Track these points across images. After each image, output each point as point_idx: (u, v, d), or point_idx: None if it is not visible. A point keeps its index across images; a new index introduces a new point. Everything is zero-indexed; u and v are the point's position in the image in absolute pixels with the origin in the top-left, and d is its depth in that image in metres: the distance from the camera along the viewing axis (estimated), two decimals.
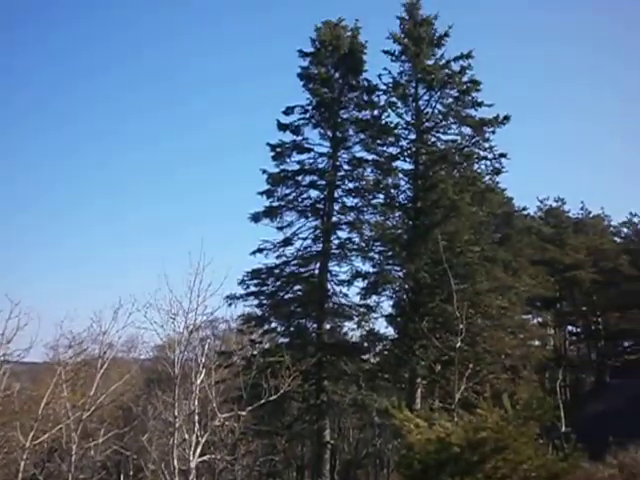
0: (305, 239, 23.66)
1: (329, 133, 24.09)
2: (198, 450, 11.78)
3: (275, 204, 23.67)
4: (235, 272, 22.71)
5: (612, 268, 40.80)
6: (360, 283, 22.75)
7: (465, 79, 22.11)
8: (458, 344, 12.36)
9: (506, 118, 21.63)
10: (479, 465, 9.20)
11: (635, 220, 46.11)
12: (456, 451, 9.31)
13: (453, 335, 15.51)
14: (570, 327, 45.97)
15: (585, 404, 32.75)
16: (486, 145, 22.13)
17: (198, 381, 12.07)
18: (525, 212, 39.11)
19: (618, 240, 46.59)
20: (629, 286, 41.07)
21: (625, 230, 47.37)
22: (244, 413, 13.47)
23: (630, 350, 45.66)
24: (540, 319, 37.84)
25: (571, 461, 10.00)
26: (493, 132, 21.85)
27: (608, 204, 56.04)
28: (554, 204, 43.71)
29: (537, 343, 34.29)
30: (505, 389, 18.11)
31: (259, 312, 23.56)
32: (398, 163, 23.40)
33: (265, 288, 23.47)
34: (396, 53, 22.87)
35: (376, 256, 23.32)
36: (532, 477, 9.51)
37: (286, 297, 23.62)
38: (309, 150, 23.94)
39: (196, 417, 12.10)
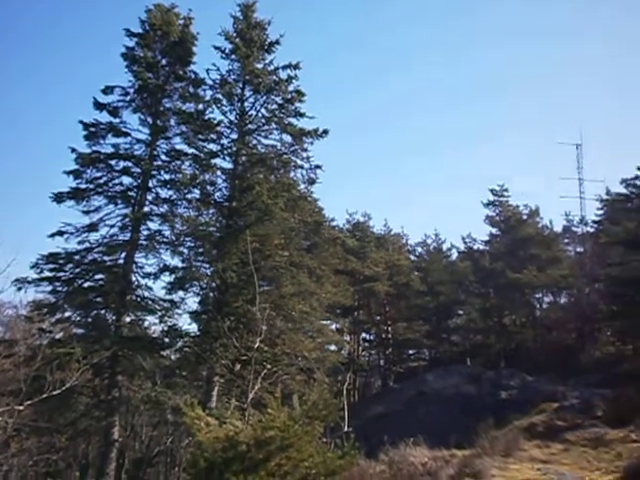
0: (112, 226, 22.47)
1: (149, 120, 23.23)
2: None
3: (83, 186, 22.19)
4: (29, 255, 20.86)
5: (405, 283, 44.59)
6: (167, 277, 22.26)
7: (291, 88, 22.77)
8: (257, 344, 12.64)
9: (325, 132, 22.63)
10: (264, 463, 9.44)
11: (428, 241, 50.98)
12: (243, 449, 9.46)
13: (254, 335, 15.77)
14: (364, 334, 49.27)
15: (370, 406, 35.20)
16: (304, 155, 22.97)
17: None
18: (334, 223, 41.21)
19: (412, 258, 51.09)
20: (417, 300, 45.33)
21: (419, 249, 52.15)
22: (21, 408, 12.36)
23: (412, 358, 50.39)
24: (338, 325, 39.95)
25: (348, 458, 10.66)
26: (312, 143, 22.77)
27: (408, 224, 61.51)
28: (361, 219, 46.68)
29: (333, 348, 36.24)
30: (298, 390, 18.88)
31: (52, 299, 21.90)
32: (217, 160, 23.34)
33: (62, 274, 21.83)
34: (226, 51, 22.84)
35: (186, 251, 22.94)
36: (312, 474, 9.98)
37: (85, 285, 22.21)
38: (126, 134, 22.85)
39: None
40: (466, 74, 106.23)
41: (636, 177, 35.03)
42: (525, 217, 44.08)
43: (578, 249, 48.00)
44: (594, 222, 45.08)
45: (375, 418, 31.45)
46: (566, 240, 48.93)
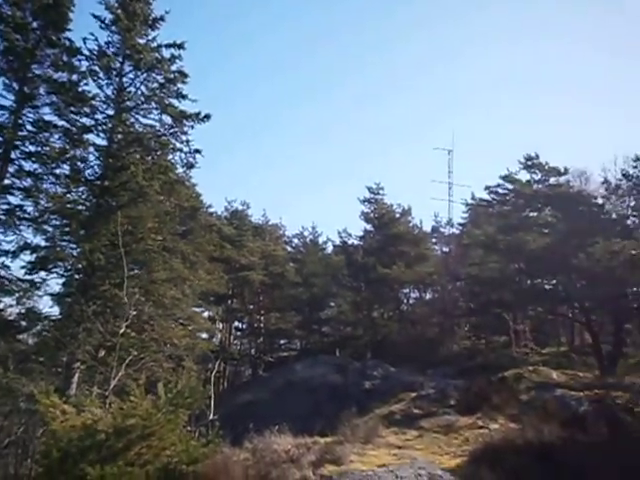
0: None
1: (15, 86, 21.39)
2: None
3: None
4: None
5: (280, 273, 45.03)
6: (27, 256, 20.73)
7: (173, 68, 22.10)
8: (122, 330, 12.23)
9: (207, 116, 22.21)
10: (123, 452, 9.18)
11: (305, 233, 51.87)
12: (101, 438, 9.12)
13: (121, 321, 15.21)
14: (237, 323, 49.19)
15: (238, 395, 35.18)
16: (183, 138, 22.37)
17: None
18: (211, 210, 40.66)
19: (289, 249, 51.72)
20: (291, 291, 45.96)
21: (296, 241, 52.91)
22: None
23: (283, 348, 51.09)
24: (210, 313, 39.56)
25: (212, 446, 10.65)
26: (192, 127, 22.24)
27: (287, 215, 61.88)
28: (240, 207, 46.49)
29: (205, 336, 35.82)
30: (165, 378, 18.46)
31: None
32: (90, 136, 22.04)
33: None
34: (107, 21, 21.70)
35: (50, 230, 21.47)
36: (174, 462, 9.85)
37: None
38: None
39: None
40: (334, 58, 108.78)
41: (498, 185, 37.81)
42: (398, 216, 46.07)
43: (444, 249, 51.14)
44: (459, 224, 48.29)
45: (243, 406, 31.49)
46: (434, 240, 51.93)
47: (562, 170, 34.22)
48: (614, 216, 33.01)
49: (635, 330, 37.25)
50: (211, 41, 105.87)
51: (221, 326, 43.70)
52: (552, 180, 34.54)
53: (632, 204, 33.79)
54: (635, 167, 32.35)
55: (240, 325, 50.11)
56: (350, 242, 46.65)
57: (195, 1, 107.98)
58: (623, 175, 33.18)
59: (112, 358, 16.25)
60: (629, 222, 33.54)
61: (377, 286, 43.16)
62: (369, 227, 46.17)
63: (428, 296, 49.64)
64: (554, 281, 34.19)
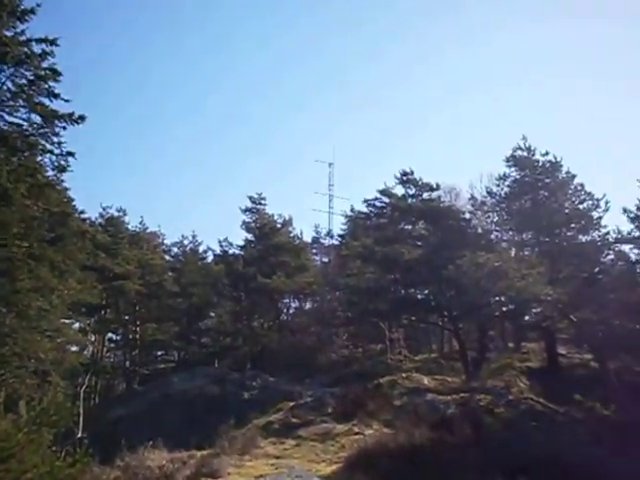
0: None
1: None
2: None
3: None
4: None
5: (157, 282, 43.60)
6: None
7: (44, 65, 20.74)
8: None
9: (81, 118, 21.06)
10: None
11: (185, 242, 50.68)
12: None
13: None
14: (111, 335, 46.90)
15: (111, 410, 33.61)
16: (54, 139, 20.99)
17: None
18: (84, 216, 38.52)
19: (167, 258, 50.23)
20: (169, 301, 44.69)
21: (175, 250, 51.51)
22: None
23: (160, 359, 49.47)
24: (82, 324, 37.44)
25: (79, 466, 10.08)
26: (64, 128, 20.95)
27: (165, 223, 60.18)
28: (116, 214, 44.48)
29: (75, 348, 33.82)
30: (28, 394, 17.24)
31: None
32: None
33: None
34: None
35: None
36: None
37: None
38: None
39: None
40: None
41: (376, 199, 39.25)
42: (279, 226, 46.41)
43: (324, 259, 52.21)
44: (339, 236, 49.51)
45: (116, 422, 30.17)
46: (314, 250, 52.87)
47: (434, 186, 36.17)
48: (480, 230, 35.50)
49: (497, 337, 40.14)
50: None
51: (93, 338, 41.48)
52: (425, 195, 36.37)
53: (495, 219, 36.53)
54: (498, 185, 35.06)
55: (114, 337, 47.86)
56: (231, 251, 46.32)
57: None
58: (488, 192, 35.83)
59: None
60: (493, 236, 36.22)
61: (257, 296, 43.19)
62: (250, 237, 46.09)
63: (308, 306, 50.39)
64: (426, 291, 36.06)
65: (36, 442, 9.35)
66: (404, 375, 30.73)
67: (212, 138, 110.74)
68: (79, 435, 13.34)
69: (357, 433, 23.01)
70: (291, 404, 28.47)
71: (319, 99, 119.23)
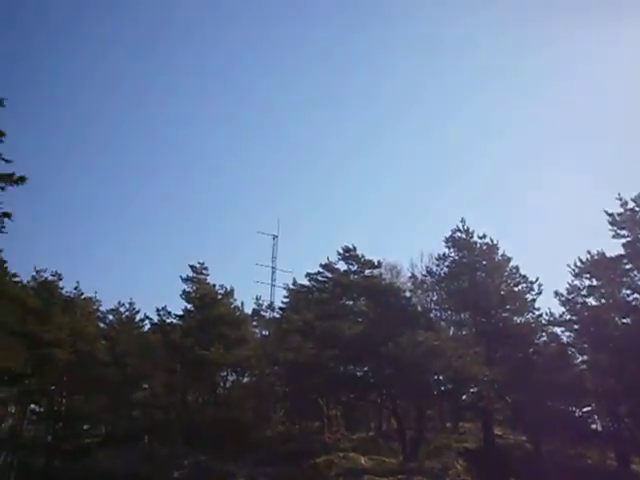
0: None
1: None
2: None
3: None
4: None
5: (89, 351, 41.72)
6: None
7: None
8: None
9: (21, 179, 20.78)
10: None
11: (121, 309, 49.11)
12: None
13: None
14: (33, 405, 44.16)
15: None
16: None
17: None
18: (16, 279, 37.05)
19: (102, 325, 48.43)
20: (100, 371, 42.67)
21: (110, 317, 49.76)
22: None
23: (87, 434, 46.64)
24: (2, 394, 35.25)
25: None
26: (3, 188, 20.61)
27: (102, 289, 58.49)
28: (50, 277, 42.99)
29: None
30: None
31: None
32: None
33: None
34: None
35: None
36: None
37: None
38: None
39: None
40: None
41: (318, 272, 39.49)
42: (220, 297, 45.71)
43: (264, 332, 51.40)
44: (280, 308, 49.08)
45: None
46: (255, 322, 52.06)
47: (376, 263, 36.79)
48: (419, 309, 36.09)
49: (436, 416, 40.04)
50: None
51: (14, 409, 38.97)
52: (367, 272, 36.88)
53: (435, 298, 37.29)
54: (438, 265, 36.01)
55: (37, 408, 45.02)
56: (169, 321, 44.96)
57: None
58: (428, 272, 36.70)
59: None
60: (432, 315, 36.85)
61: (194, 368, 41.80)
62: (190, 307, 45.12)
63: (246, 379, 49.08)
64: (365, 368, 35.91)
65: None
66: (341, 455, 30.11)
67: (156, 208, 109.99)
68: None
69: None
70: None
71: (266, 166, 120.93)
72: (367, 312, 35.47)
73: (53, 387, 43.10)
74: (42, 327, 37.59)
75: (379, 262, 36.98)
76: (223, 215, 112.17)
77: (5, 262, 29.50)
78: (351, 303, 37.65)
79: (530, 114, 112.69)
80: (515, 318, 34.68)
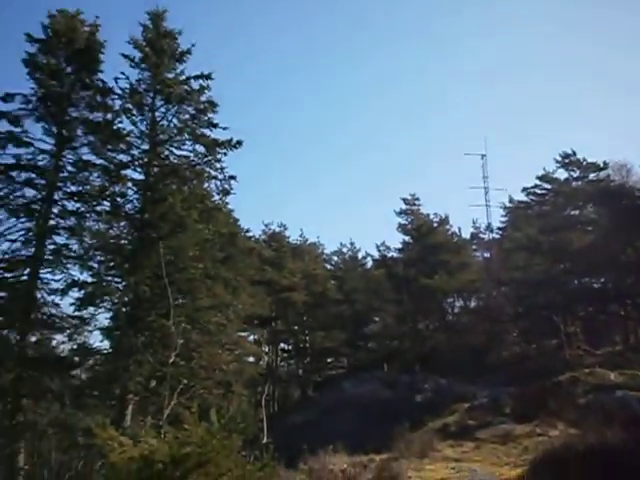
0: (14, 241, 21.13)
1: (54, 129, 22.13)
2: None
3: None
4: None
5: (321, 292, 45.04)
6: (76, 293, 21.20)
7: (203, 99, 22.48)
8: (172, 359, 12.37)
9: (239, 142, 22.46)
10: None
11: (344, 250, 51.81)
12: (159, 468, 9.20)
13: (170, 350, 15.41)
14: (282, 344, 49.27)
15: (289, 416, 35.19)
16: (217, 165, 22.64)
17: None
18: (249, 234, 41.05)
19: (328, 267, 51.73)
20: (333, 308, 45.87)
21: (335, 258, 52.88)
22: None
23: (330, 366, 50.89)
24: (256, 336, 39.75)
25: (268, 470, 10.62)
26: (225, 154, 22.51)
27: (323, 233, 62.11)
28: (277, 229, 46.82)
29: (251, 359, 36.01)
30: (216, 404, 18.61)
31: None
32: (128, 172, 22.57)
33: None
34: (136, 60, 22.24)
35: (96, 265, 21.97)
36: None
37: None
38: (28, 144, 21.56)
39: None
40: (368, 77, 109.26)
41: (535, 186, 37.21)
42: (435, 225, 45.64)
43: (485, 255, 50.32)
44: (499, 229, 47.49)
45: (295, 428, 31.46)
46: (474, 246, 51.19)
47: (601, 165, 33.44)
48: None
49: None
50: (251, 69, 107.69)
51: (267, 349, 43.88)
52: (591, 176, 33.77)
53: None
54: None
55: (286, 346, 50.17)
56: (389, 255, 46.41)
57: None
58: None
59: (163, 388, 16.47)
60: None
61: (420, 297, 42.72)
62: (407, 239, 45.87)
63: (473, 304, 48.86)
64: (602, 279, 33.35)
65: (228, 447, 9.93)
66: (586, 371, 28.61)
67: (359, 147, 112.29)
68: (264, 441, 14.08)
69: (540, 434, 21.79)
70: (466, 405, 27.77)
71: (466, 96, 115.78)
72: (597, 220, 32.63)
73: (296, 327, 47.52)
74: (278, 274, 41.37)
75: (605, 163, 33.51)
76: (431, 143, 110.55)
77: (238, 220, 32.62)
78: (577, 212, 34.95)
79: None
80: None
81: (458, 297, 47.86)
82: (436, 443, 22.39)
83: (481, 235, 50.57)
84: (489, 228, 48.03)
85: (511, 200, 44.48)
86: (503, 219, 47.51)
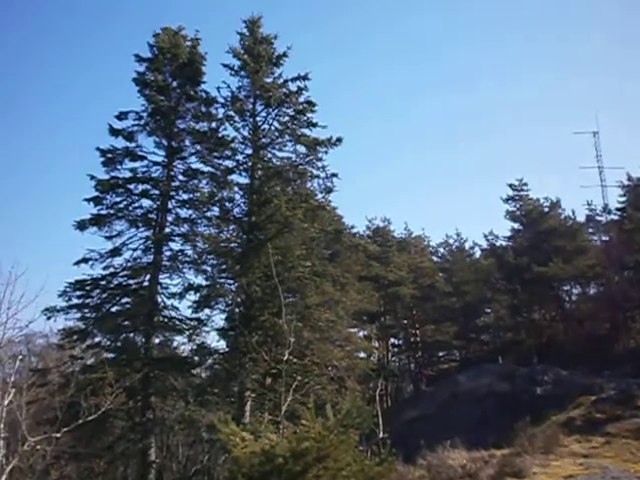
0: (135, 250, 22.67)
1: (164, 142, 23.48)
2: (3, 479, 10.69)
3: (104, 212, 22.44)
4: (56, 284, 21.18)
5: (429, 285, 44.36)
6: (192, 296, 22.35)
7: (301, 99, 22.81)
8: (286, 356, 12.66)
9: (339, 140, 22.58)
10: (302, 474, 9.41)
11: (450, 241, 50.71)
12: (280, 462, 9.44)
13: (283, 348, 15.79)
14: (392, 339, 49.03)
15: (403, 411, 34.99)
16: (319, 164, 22.88)
17: (6, 402, 10.96)
18: (354, 230, 41.19)
19: (435, 259, 50.83)
20: (443, 301, 45.03)
21: (442, 250, 51.87)
22: (59, 435, 12.45)
23: (443, 360, 50.04)
24: (365, 332, 39.83)
25: (386, 465, 10.59)
26: (326, 152, 22.70)
27: (428, 226, 61.21)
28: (381, 224, 46.62)
29: (362, 355, 36.11)
30: (331, 399, 18.84)
31: (82, 326, 22.13)
32: (234, 177, 23.44)
33: (90, 300, 22.01)
34: (235, 68, 23.03)
35: (209, 269, 23.08)
36: None
37: (113, 310, 22.40)
38: (143, 158, 23.09)
39: (1, 442, 10.97)
40: (474, 62, 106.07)
41: None
42: (546, 210, 43.52)
43: (603, 238, 47.23)
44: (617, 209, 44.35)
45: (409, 422, 31.25)
46: (590, 230, 48.23)
47: None
48: None
49: None
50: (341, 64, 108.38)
51: (377, 344, 43.80)
52: None
53: None
54: None
55: (396, 341, 49.91)
56: (498, 244, 44.90)
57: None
58: None
59: (279, 384, 16.93)
60: None
61: (534, 286, 40.84)
62: (516, 226, 44.09)
63: (592, 290, 46.08)
64: None
65: (345, 442, 10.00)
66: None
67: (461, 128, 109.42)
68: (381, 435, 14.02)
69: None
70: (592, 398, 26.27)
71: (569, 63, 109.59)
72: None
73: (405, 321, 47.15)
74: (385, 269, 41.22)
75: None
76: (536, 121, 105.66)
77: (342, 217, 32.81)
78: None
79: None
80: None
81: (575, 284, 45.29)
82: (561, 438, 21.37)
83: (597, 217, 47.55)
84: (606, 209, 45.04)
85: (630, 178, 41.49)
86: (621, 199, 44.40)
